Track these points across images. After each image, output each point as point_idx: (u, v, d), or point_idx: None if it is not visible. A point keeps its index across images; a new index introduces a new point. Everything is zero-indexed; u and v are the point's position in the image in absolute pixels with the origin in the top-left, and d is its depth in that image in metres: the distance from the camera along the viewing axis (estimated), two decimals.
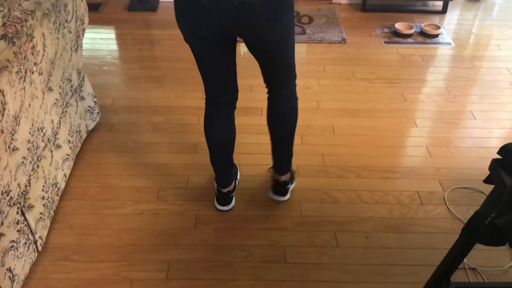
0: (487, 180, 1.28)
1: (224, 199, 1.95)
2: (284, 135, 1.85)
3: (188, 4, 1.44)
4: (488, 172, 1.28)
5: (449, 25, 3.55)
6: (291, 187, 2.05)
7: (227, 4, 1.39)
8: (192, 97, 2.67)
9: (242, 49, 3.05)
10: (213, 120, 1.78)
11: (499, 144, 2.36)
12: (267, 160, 2.20)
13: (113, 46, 3.23)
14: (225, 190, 1.93)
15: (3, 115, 1.40)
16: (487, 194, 2.05)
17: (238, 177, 2.10)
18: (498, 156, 1.23)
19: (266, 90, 1.78)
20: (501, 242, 1.12)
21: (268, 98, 1.79)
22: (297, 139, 2.35)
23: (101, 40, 3.28)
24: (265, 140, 2.34)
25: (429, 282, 1.54)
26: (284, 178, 1.95)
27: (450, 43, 3.29)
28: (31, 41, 1.57)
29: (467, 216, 1.97)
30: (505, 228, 1.06)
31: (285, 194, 1.99)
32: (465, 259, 1.76)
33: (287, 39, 1.57)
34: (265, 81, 1.75)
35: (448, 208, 2.01)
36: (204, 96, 1.75)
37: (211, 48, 1.55)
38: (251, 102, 2.58)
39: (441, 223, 1.94)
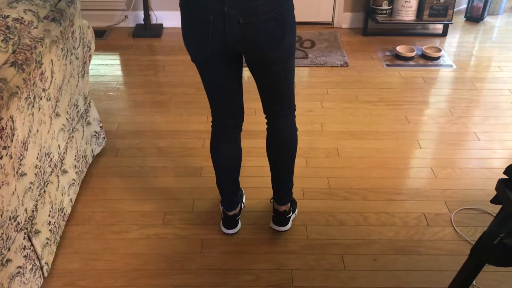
0: (494, 201, 1.28)
1: (230, 222, 1.95)
2: (284, 165, 1.85)
3: (194, 23, 1.48)
4: (494, 193, 1.28)
5: (450, 48, 3.59)
6: (292, 216, 2.03)
7: (233, 22, 1.43)
8: (197, 122, 2.69)
9: (245, 73, 3.09)
10: (219, 143, 1.79)
11: (503, 164, 2.37)
12: None
13: (118, 72, 3.27)
14: (231, 213, 1.93)
15: (12, 140, 1.42)
16: (494, 215, 2.04)
17: (243, 200, 2.10)
18: (504, 176, 1.24)
19: (266, 121, 1.79)
20: (511, 262, 1.11)
21: (268, 128, 1.80)
22: (302, 162, 2.36)
23: (106, 66, 3.32)
24: None
25: None
26: (284, 208, 1.93)
27: (451, 65, 3.32)
28: (40, 67, 1.60)
29: (474, 237, 1.95)
30: None
31: (285, 224, 1.96)
32: (474, 281, 1.74)
33: (289, 60, 1.60)
34: (265, 110, 1.76)
35: (455, 229, 2.00)
36: (209, 120, 1.77)
37: (217, 68, 1.58)
38: (255, 125, 2.60)
39: (448, 244, 1.93)
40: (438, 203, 2.13)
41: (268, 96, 1.71)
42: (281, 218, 1.95)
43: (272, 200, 1.98)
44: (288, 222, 1.97)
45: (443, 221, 2.04)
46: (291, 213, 2.00)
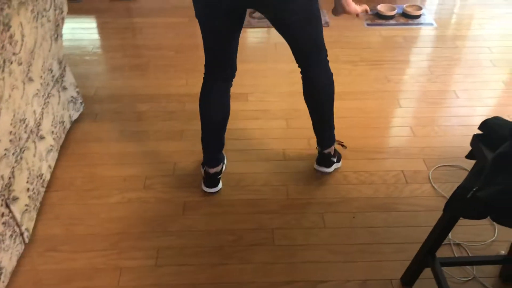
0: (469, 156, 1.30)
1: (212, 181, 1.95)
2: (320, 111, 1.91)
3: None
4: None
5: (431, 6, 3.56)
6: (337, 165, 2.10)
7: None
8: (176, 85, 2.65)
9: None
10: (210, 96, 1.81)
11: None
12: (255, 145, 2.22)
13: (95, 35, 3.19)
14: (213, 171, 1.93)
15: None
16: None
17: (225, 162, 2.11)
18: (479, 132, 1.25)
19: (300, 70, 1.83)
20: (482, 215, 1.14)
21: (302, 77, 1.84)
22: (282, 124, 2.36)
23: (82, 30, 3.23)
24: (252, 125, 2.34)
25: (415, 258, 1.56)
26: (328, 150, 2.01)
27: (432, 24, 3.30)
28: (8, 30, 1.54)
29: (451, 193, 1.99)
30: (486, 201, 1.07)
31: (328, 166, 2.06)
32: (450, 235, 1.79)
33: (308, 13, 1.60)
34: (296, 60, 1.80)
35: (432, 186, 2.03)
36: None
37: (221, 23, 1.60)
38: (237, 87, 2.54)
39: (426, 201, 1.97)
40: (417, 161, 2.16)
41: (294, 48, 1.74)
42: (325, 160, 2.04)
43: (317, 147, 2.05)
44: (332, 165, 2.05)
45: (421, 178, 2.07)
46: (335, 158, 2.07)
